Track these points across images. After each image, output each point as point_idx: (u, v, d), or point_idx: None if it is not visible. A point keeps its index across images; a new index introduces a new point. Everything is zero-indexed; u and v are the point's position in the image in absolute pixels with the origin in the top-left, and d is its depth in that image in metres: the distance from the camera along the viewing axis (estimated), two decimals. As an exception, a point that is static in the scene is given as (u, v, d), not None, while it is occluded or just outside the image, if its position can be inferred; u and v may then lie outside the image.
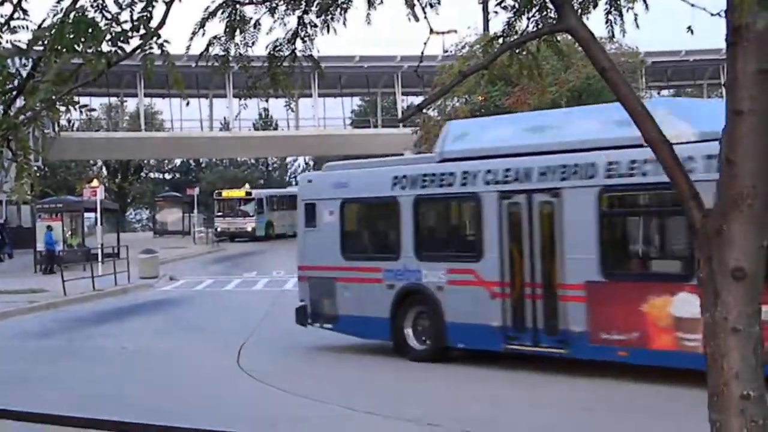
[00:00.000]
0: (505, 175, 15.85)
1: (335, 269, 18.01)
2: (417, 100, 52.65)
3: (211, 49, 6.19)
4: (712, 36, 5.37)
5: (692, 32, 5.94)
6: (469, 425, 12.02)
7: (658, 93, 64.89)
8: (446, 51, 34.64)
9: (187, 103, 53.40)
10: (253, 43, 6.28)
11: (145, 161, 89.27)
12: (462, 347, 16.53)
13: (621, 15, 5.99)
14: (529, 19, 6.09)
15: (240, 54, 6.28)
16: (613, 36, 6.22)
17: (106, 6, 5.24)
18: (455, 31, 7.06)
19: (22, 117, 5.49)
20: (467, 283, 16.20)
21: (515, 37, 6.15)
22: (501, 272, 15.73)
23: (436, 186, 16.81)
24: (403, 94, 69.15)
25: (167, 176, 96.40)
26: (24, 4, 5.47)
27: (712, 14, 5.32)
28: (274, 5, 6.27)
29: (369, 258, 17.91)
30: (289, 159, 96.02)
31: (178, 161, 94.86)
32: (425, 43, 6.23)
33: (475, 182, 16.20)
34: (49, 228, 39.70)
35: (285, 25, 6.34)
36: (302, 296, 18.68)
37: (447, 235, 17.84)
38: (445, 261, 16.72)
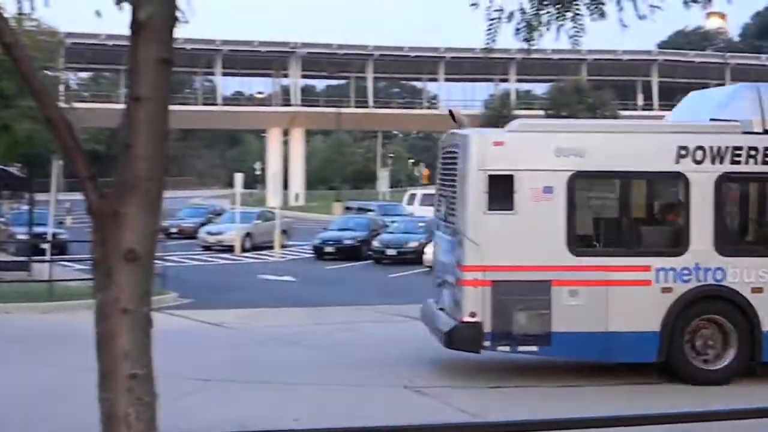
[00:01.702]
0: None
1: (553, 269, 13.39)
2: None
3: None
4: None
5: (99, 14, 5.95)
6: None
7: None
8: None
9: None
10: None
11: None
12: None
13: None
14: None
15: None
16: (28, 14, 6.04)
17: None
18: None
19: None
20: None
21: None
22: None
23: (758, 163, 13.69)
24: None
25: None
26: None
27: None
28: None
29: (626, 253, 13.68)
30: None
31: None
32: None
33: None
34: None
35: None
36: (474, 309, 13.35)
37: (755, 224, 14.54)
38: (764, 256, 13.73)
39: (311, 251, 38.99)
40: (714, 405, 10.01)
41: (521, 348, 13.48)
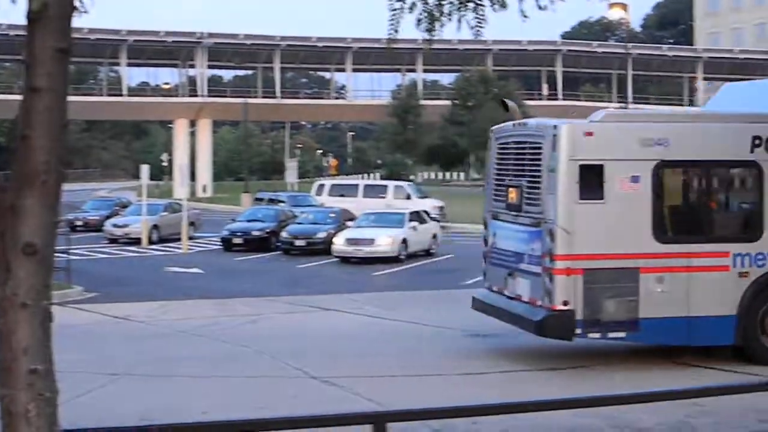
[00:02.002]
0: None
1: (641, 256, 13.72)
2: None
3: None
4: None
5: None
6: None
7: None
8: None
9: None
10: None
11: None
12: None
13: None
14: None
15: None
16: None
17: None
18: None
19: None
20: None
21: None
22: None
23: None
24: None
25: None
26: None
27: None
28: None
29: (707, 240, 14.11)
30: None
31: None
32: None
33: None
34: None
35: None
36: (566, 297, 13.52)
37: None
38: None
39: (219, 243, 38.70)
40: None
41: (611, 334, 13.79)
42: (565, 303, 13.54)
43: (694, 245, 14.03)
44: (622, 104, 57.70)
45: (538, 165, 14.19)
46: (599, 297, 13.56)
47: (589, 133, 13.78)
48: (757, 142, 14.21)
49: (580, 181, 13.60)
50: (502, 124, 16.20)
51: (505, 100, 16.16)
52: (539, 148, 14.18)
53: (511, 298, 14.91)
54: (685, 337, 14.01)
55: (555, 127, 13.83)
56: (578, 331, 13.67)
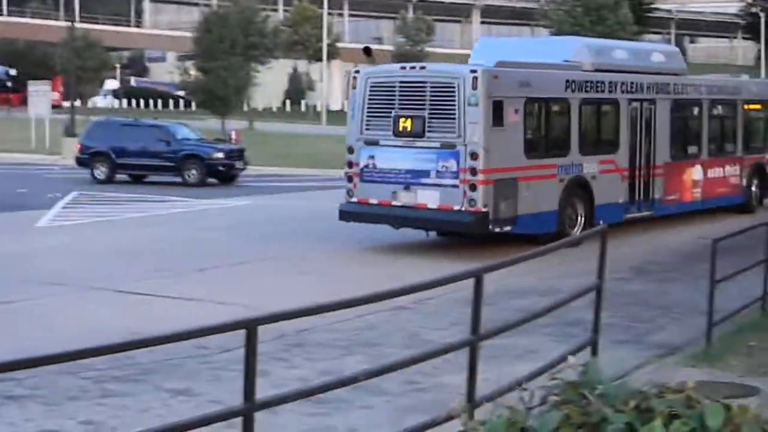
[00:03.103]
0: (630, 86, 20.57)
1: (518, 169, 17.80)
2: None
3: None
4: None
5: None
6: None
7: None
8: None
9: None
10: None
11: None
12: (600, 223, 16.42)
13: None
14: None
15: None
16: None
17: None
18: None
19: None
20: (609, 171, 19.87)
21: None
22: (628, 160, 20.35)
23: (594, 91, 19.65)
24: None
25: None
26: None
27: None
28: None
29: (547, 155, 18.57)
30: None
31: None
32: None
33: (614, 90, 20.20)
34: None
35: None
36: (485, 201, 17.10)
37: (598, 133, 20.38)
38: (597, 154, 19.66)
39: None
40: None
41: (505, 228, 17.50)
42: (485, 206, 17.15)
43: (541, 160, 18.39)
44: (70, 22, 56.70)
45: (451, 100, 17.41)
46: (500, 200, 17.39)
47: (495, 77, 17.54)
48: (567, 84, 19.23)
49: (493, 113, 17.31)
50: (377, 67, 20.86)
51: (369, 46, 18.58)
52: (452, 87, 17.42)
53: (409, 207, 17.98)
54: (537, 227, 17.98)
55: (473, 71, 17.37)
56: (490, 227, 17.33)
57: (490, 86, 17.21)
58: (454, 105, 17.30)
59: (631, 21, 58.37)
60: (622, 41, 31.01)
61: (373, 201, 18.31)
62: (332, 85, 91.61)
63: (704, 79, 24.86)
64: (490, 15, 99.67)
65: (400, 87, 18.13)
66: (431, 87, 17.70)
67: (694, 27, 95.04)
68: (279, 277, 15.61)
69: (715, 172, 23.17)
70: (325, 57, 74.83)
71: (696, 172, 22.57)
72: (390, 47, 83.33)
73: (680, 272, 16.18)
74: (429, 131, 17.62)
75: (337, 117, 79.84)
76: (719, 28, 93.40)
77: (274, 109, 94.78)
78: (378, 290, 6.66)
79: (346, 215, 18.76)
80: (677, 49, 27.51)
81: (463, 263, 13.60)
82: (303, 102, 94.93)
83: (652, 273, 16.36)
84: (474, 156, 17.08)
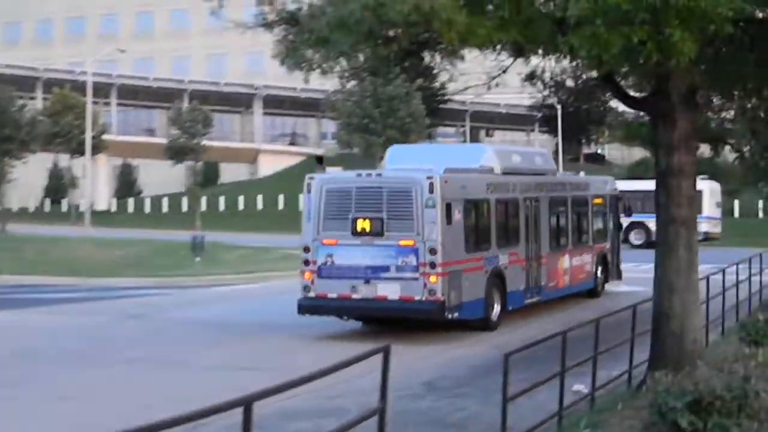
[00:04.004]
0: (524, 186, 23.21)
1: (463, 261, 20.09)
2: None
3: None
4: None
5: None
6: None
7: None
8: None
9: None
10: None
11: None
12: (511, 309, 21.77)
13: None
14: None
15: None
16: None
17: None
18: None
19: None
20: (515, 262, 22.22)
21: None
22: (525, 251, 22.78)
23: (504, 192, 22.28)
24: None
25: None
26: None
27: None
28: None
29: (477, 249, 20.77)
30: None
31: None
32: None
33: (515, 190, 22.81)
34: None
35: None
36: (443, 291, 19.37)
37: (506, 229, 22.45)
38: (507, 246, 22.01)
39: None
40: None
41: (454, 315, 19.73)
42: (443, 295, 19.43)
43: (473, 253, 20.65)
44: None
45: (408, 203, 19.66)
46: (452, 290, 19.66)
47: (446, 181, 19.93)
48: (488, 186, 21.87)
49: (446, 213, 19.70)
50: (330, 173, 22.46)
51: (320, 155, 19.78)
52: (409, 191, 19.70)
53: (369, 299, 19.88)
54: (472, 313, 20.36)
55: (429, 177, 19.59)
56: (446, 314, 19.60)
57: (443, 190, 19.65)
58: (411, 207, 19.62)
59: (424, 113, 57.03)
60: (516, 146, 34.78)
61: (332, 295, 20.03)
62: (98, 182, 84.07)
63: (566, 176, 29.18)
64: (274, 105, 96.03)
65: (357, 191, 20.08)
66: (388, 191, 19.85)
67: (488, 119, 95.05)
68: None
69: (577, 261, 25.83)
70: (89, 151, 67.46)
71: (566, 261, 25.19)
72: (163, 140, 77.76)
73: (473, 386, 15.22)
74: (388, 230, 19.68)
75: (103, 218, 73.25)
76: (516, 120, 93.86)
77: (32, 209, 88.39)
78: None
79: (304, 309, 20.26)
80: (546, 151, 32.35)
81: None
82: (64, 201, 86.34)
83: (445, 389, 15.27)
84: (432, 251, 19.45)
